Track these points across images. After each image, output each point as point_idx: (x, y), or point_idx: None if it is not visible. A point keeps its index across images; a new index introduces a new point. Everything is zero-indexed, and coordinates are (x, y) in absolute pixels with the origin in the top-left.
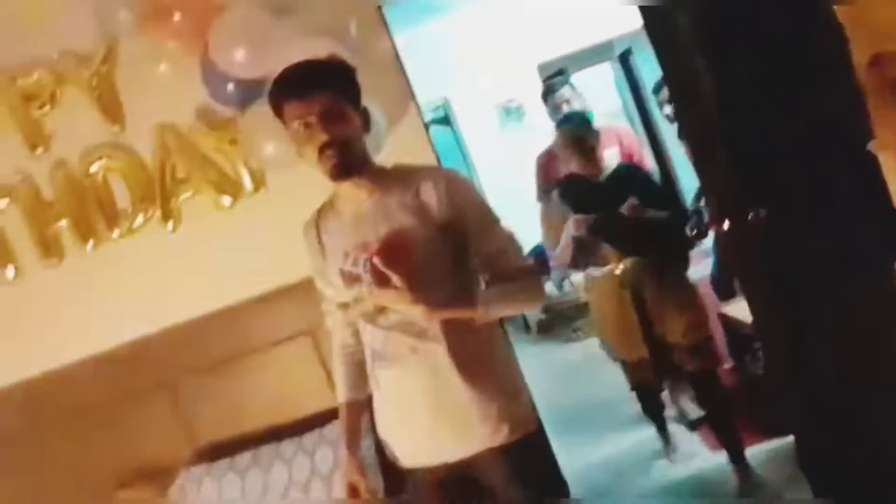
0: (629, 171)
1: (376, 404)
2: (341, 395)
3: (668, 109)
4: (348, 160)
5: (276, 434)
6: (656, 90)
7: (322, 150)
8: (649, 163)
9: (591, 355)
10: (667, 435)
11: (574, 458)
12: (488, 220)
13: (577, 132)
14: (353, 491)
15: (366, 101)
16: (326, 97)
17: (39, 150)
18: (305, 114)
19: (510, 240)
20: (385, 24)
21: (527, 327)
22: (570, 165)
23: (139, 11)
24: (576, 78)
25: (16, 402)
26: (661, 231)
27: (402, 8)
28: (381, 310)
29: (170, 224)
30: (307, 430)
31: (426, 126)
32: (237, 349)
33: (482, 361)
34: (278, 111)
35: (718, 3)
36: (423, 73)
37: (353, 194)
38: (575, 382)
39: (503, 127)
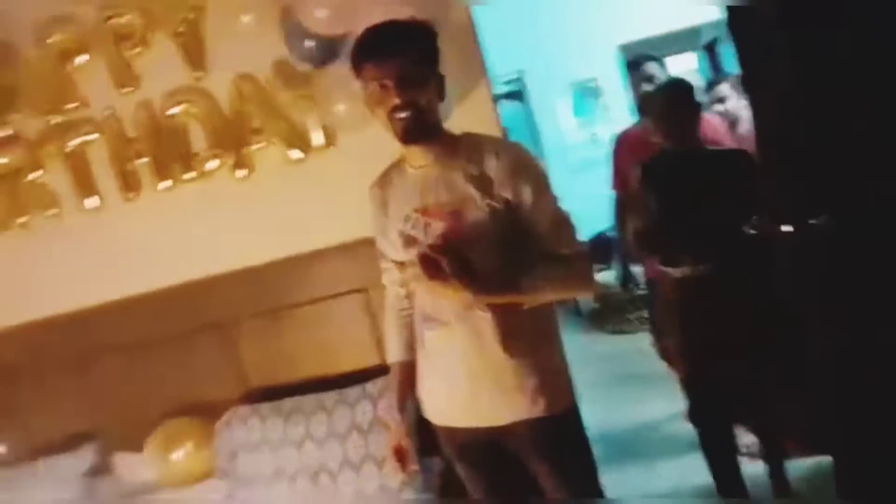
0: (736, 158)
1: (419, 362)
2: (393, 355)
3: (720, 108)
4: (418, 124)
5: (321, 384)
6: (709, 87)
7: (393, 111)
8: None
9: (639, 350)
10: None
11: (605, 445)
12: (546, 199)
13: (682, 99)
14: (400, 452)
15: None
16: (405, 60)
17: (127, 89)
18: (383, 75)
19: (566, 221)
20: None
21: (578, 314)
22: (663, 140)
23: None
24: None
25: (84, 326)
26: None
27: None
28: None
29: (241, 171)
30: (351, 383)
31: (495, 99)
32: (292, 299)
33: (526, 335)
34: (357, 70)
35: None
36: (500, 44)
37: (421, 158)
38: (618, 375)
39: (577, 106)
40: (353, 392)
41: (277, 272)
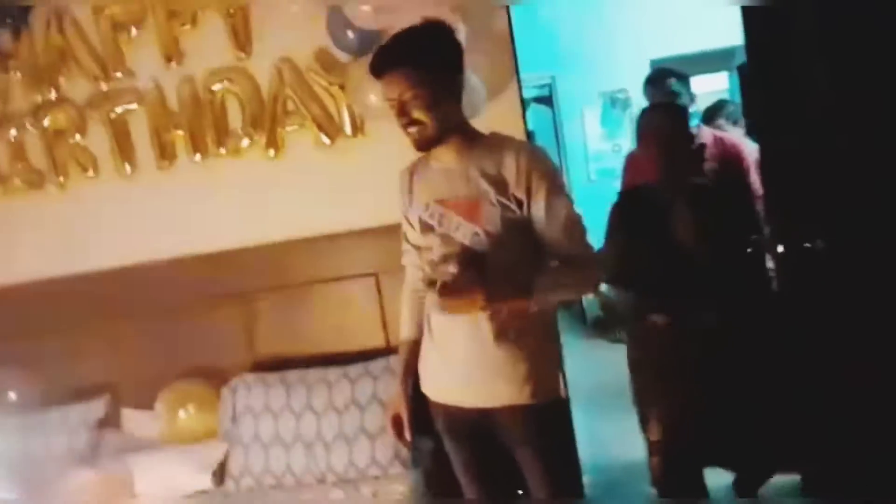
0: (721, 192)
1: (424, 341)
2: (403, 332)
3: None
4: (426, 137)
5: (326, 360)
6: (706, 120)
7: (404, 127)
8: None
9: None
10: None
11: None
12: (559, 200)
13: (667, 127)
14: (397, 420)
15: (471, 67)
16: (410, 79)
17: (173, 64)
18: (391, 94)
19: (577, 224)
20: None
21: (583, 321)
22: (651, 169)
23: None
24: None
25: (109, 285)
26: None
27: None
28: (442, 261)
29: (272, 151)
30: (354, 361)
31: (525, 102)
32: (308, 277)
33: (520, 328)
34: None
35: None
36: (534, 47)
37: (444, 154)
38: (614, 382)
39: (605, 116)
40: (355, 369)
41: (296, 250)
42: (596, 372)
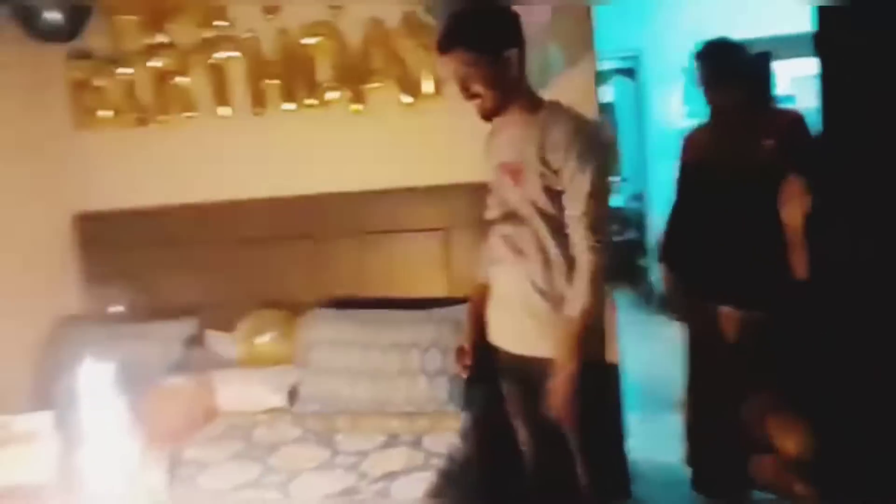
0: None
1: (490, 291)
2: (480, 276)
3: None
4: (489, 107)
5: (393, 305)
6: None
7: (467, 99)
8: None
9: None
10: None
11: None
12: (583, 170)
13: (713, 64)
14: (461, 351)
15: (550, 38)
16: (466, 57)
17: (270, 16)
18: (453, 70)
19: (597, 197)
20: None
21: (649, 299)
22: (716, 143)
23: None
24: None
25: (206, 218)
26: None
27: None
28: (497, 220)
29: (355, 106)
30: (418, 308)
31: (603, 75)
32: (381, 226)
33: (562, 287)
34: None
35: None
36: (622, 21)
37: (508, 121)
38: (671, 355)
39: (688, 93)
40: (420, 315)
41: (373, 200)
42: (656, 344)
